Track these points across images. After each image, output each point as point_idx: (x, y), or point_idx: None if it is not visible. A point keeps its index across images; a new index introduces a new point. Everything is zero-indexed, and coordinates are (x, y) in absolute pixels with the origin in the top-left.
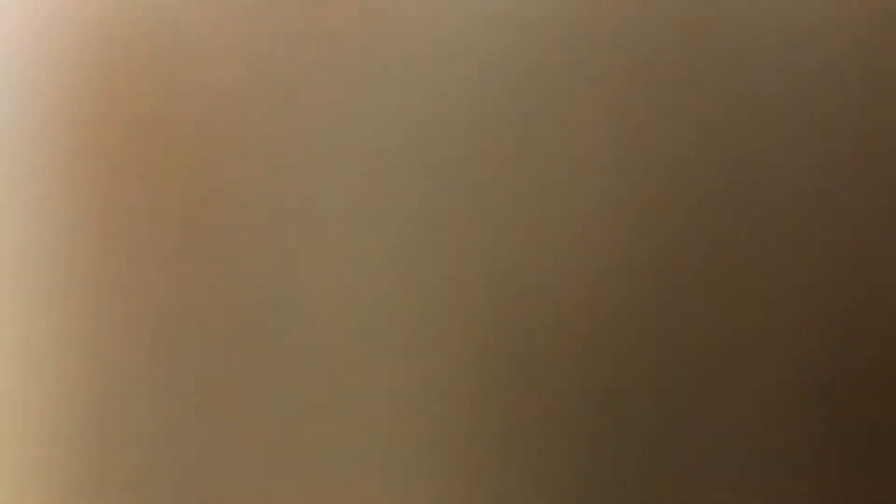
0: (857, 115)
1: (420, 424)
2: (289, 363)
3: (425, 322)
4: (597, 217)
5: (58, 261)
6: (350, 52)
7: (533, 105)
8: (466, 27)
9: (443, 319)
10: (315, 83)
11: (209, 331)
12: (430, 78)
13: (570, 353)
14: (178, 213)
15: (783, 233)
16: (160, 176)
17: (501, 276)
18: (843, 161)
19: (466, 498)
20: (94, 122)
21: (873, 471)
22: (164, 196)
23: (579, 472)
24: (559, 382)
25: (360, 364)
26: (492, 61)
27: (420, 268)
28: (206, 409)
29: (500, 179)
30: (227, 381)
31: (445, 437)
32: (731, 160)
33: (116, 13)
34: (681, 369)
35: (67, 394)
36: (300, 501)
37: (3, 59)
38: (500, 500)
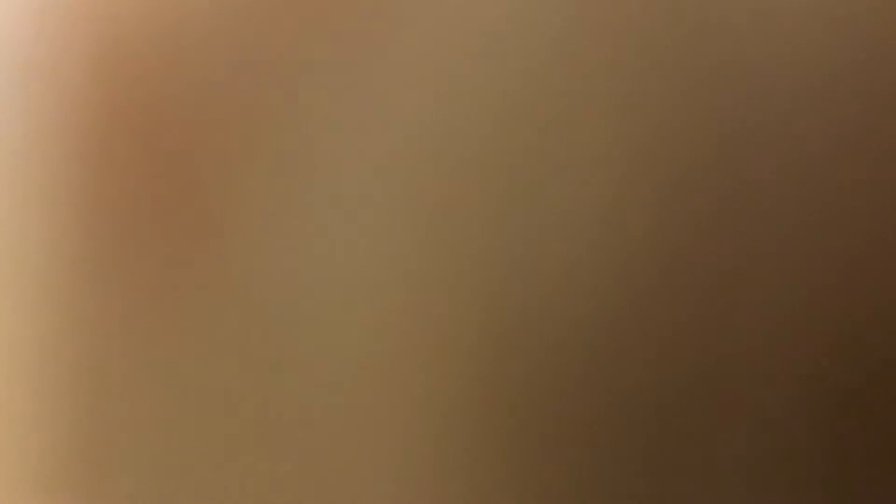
0: (865, 117)
1: (422, 430)
2: (287, 367)
3: (428, 328)
4: (603, 223)
5: (58, 261)
6: (354, 53)
7: (534, 108)
8: (467, 27)
9: (445, 325)
10: (319, 84)
11: (210, 333)
12: (431, 80)
13: (577, 359)
14: (181, 215)
15: (791, 236)
16: (162, 176)
17: (506, 281)
18: (851, 162)
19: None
20: (95, 123)
21: (879, 474)
22: (165, 197)
23: (581, 475)
24: (564, 388)
25: (361, 367)
26: (492, 63)
27: (423, 273)
28: (208, 411)
29: (506, 185)
30: (228, 384)
31: (447, 444)
32: (736, 163)
33: (118, 13)
34: (689, 377)
35: (67, 395)
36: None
37: (3, 59)
38: None
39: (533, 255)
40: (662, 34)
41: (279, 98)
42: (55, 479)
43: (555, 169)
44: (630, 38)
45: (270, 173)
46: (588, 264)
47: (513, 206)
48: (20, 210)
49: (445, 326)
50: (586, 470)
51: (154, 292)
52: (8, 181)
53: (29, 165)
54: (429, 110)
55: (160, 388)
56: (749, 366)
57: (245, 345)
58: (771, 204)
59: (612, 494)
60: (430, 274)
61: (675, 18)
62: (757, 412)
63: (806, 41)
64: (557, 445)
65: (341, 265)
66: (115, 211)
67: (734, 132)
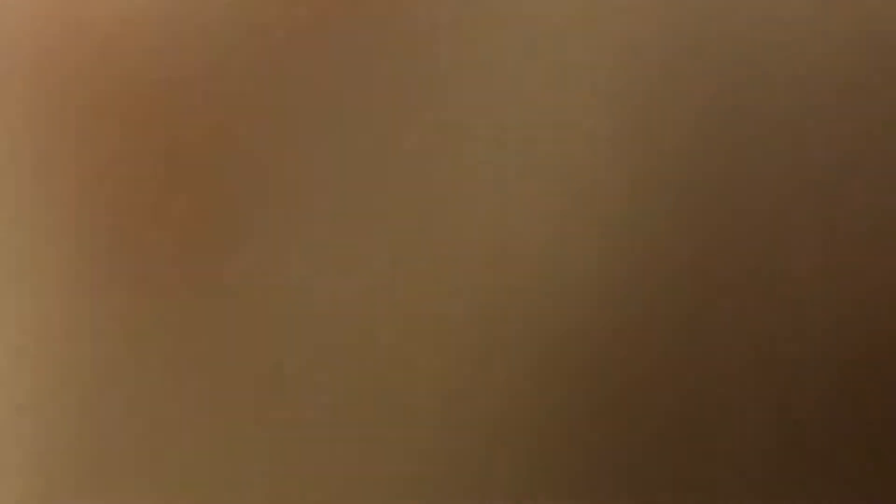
0: (869, 118)
1: (422, 429)
2: (287, 368)
3: (427, 328)
4: (604, 221)
5: (58, 261)
6: (355, 52)
7: (537, 107)
8: (467, 23)
9: (446, 324)
10: (319, 81)
11: (210, 333)
12: (432, 79)
13: (576, 357)
14: (180, 214)
15: (791, 236)
16: (161, 176)
17: (504, 281)
18: (855, 165)
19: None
20: (93, 123)
21: (878, 472)
22: (165, 197)
23: (578, 472)
24: (563, 386)
25: (362, 365)
26: (491, 59)
27: (424, 273)
28: (208, 411)
29: (507, 183)
30: (228, 384)
31: (448, 443)
32: (738, 165)
33: (117, 11)
34: (688, 376)
35: (67, 395)
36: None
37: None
38: None
39: (533, 255)
40: (671, 36)
41: (279, 96)
42: (55, 478)
43: (555, 167)
44: (638, 39)
45: (270, 172)
46: (587, 262)
47: (513, 204)
48: (20, 209)
49: (446, 326)
50: (583, 468)
51: (154, 292)
52: (7, 181)
53: (27, 165)
54: (428, 109)
55: (161, 387)
56: (747, 364)
57: (245, 344)
58: (773, 206)
59: (610, 493)
60: (431, 273)
61: (685, 20)
62: (755, 411)
63: (814, 42)
64: (554, 444)
65: (341, 263)
66: (115, 210)
67: (737, 134)
